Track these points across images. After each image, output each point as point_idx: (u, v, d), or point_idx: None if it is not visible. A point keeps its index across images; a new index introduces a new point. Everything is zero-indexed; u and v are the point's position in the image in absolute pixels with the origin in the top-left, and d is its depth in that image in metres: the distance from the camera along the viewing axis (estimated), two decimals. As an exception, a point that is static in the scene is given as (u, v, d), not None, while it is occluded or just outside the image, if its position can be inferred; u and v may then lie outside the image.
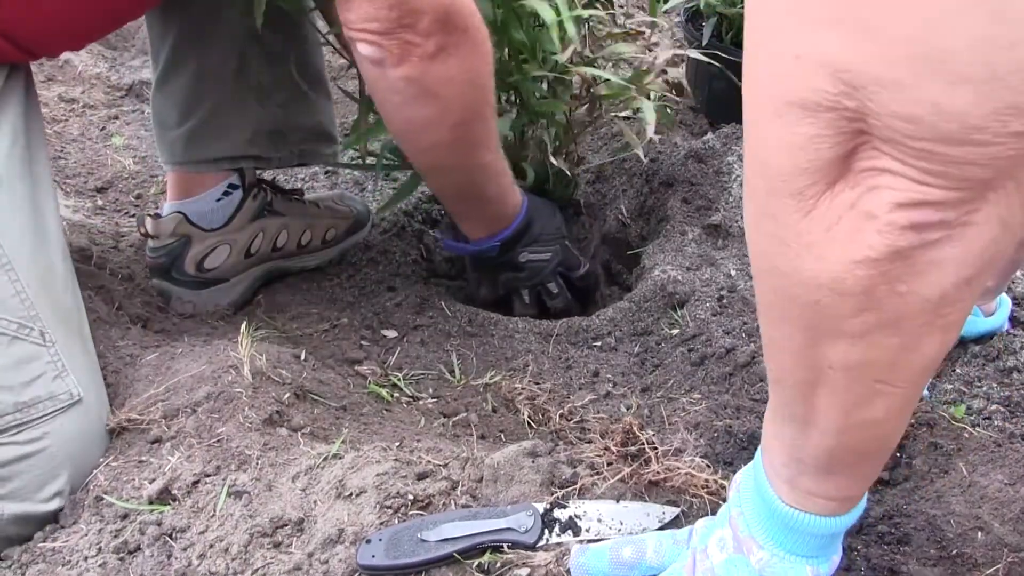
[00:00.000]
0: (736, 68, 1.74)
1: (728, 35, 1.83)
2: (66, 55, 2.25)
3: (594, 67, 1.50)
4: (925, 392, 1.16)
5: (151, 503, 0.94)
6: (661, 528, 0.89)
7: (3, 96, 1.07)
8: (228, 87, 1.42)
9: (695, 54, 1.59)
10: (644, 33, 1.58)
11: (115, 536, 0.92)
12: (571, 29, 1.36)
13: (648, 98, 1.49)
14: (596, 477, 0.93)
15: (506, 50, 1.42)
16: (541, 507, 0.88)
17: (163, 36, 1.42)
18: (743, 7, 1.75)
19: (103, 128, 2.04)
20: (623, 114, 1.62)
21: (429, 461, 0.95)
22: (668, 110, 1.63)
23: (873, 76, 0.46)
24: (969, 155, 0.46)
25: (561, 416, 1.21)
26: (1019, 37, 0.41)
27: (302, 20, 1.46)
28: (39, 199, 1.09)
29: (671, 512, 0.90)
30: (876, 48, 0.45)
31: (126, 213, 1.73)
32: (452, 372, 1.32)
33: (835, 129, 0.50)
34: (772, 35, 0.51)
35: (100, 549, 0.92)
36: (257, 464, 0.95)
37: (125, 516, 0.94)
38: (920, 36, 0.43)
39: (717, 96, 1.81)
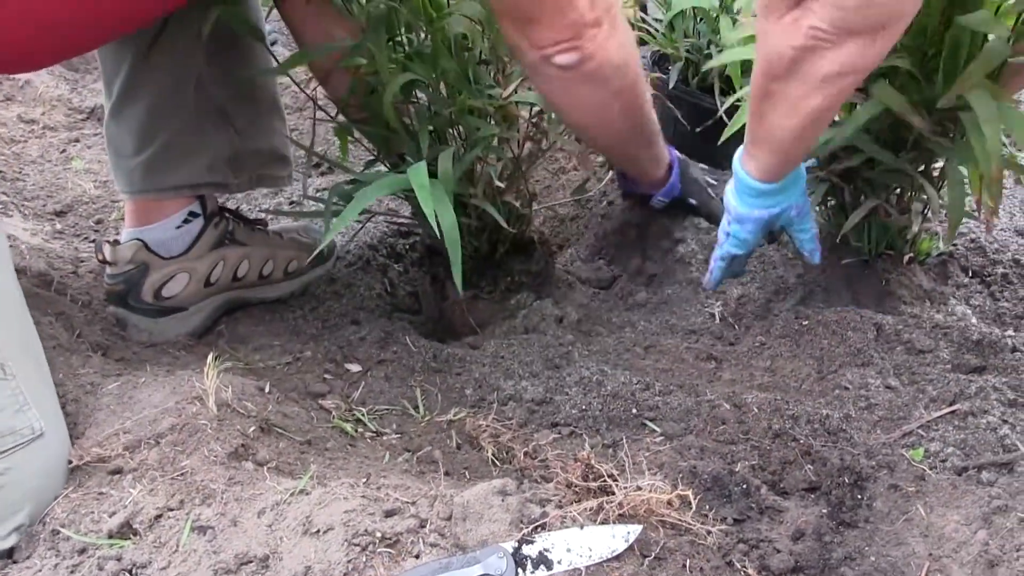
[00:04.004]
0: (701, 112, 1.78)
1: (694, 80, 1.87)
2: (25, 76, 2.21)
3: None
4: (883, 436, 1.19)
5: (111, 537, 0.92)
6: (629, 546, 0.89)
7: None
8: (185, 114, 1.41)
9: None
10: None
11: (72, 572, 0.89)
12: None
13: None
14: (564, 514, 0.93)
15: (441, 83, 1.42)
16: (509, 546, 0.87)
17: (117, 63, 1.40)
18: (709, 52, 1.79)
19: (63, 151, 2.01)
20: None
21: (397, 498, 0.94)
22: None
23: None
24: None
25: (526, 455, 1.21)
26: None
27: (255, 43, 1.45)
28: None
29: (635, 529, 0.91)
30: None
31: (85, 238, 1.71)
32: (416, 408, 1.31)
33: None
34: None
35: (56, 585, 0.89)
36: (222, 499, 0.94)
37: (83, 551, 0.91)
38: None
39: (681, 138, 1.84)
